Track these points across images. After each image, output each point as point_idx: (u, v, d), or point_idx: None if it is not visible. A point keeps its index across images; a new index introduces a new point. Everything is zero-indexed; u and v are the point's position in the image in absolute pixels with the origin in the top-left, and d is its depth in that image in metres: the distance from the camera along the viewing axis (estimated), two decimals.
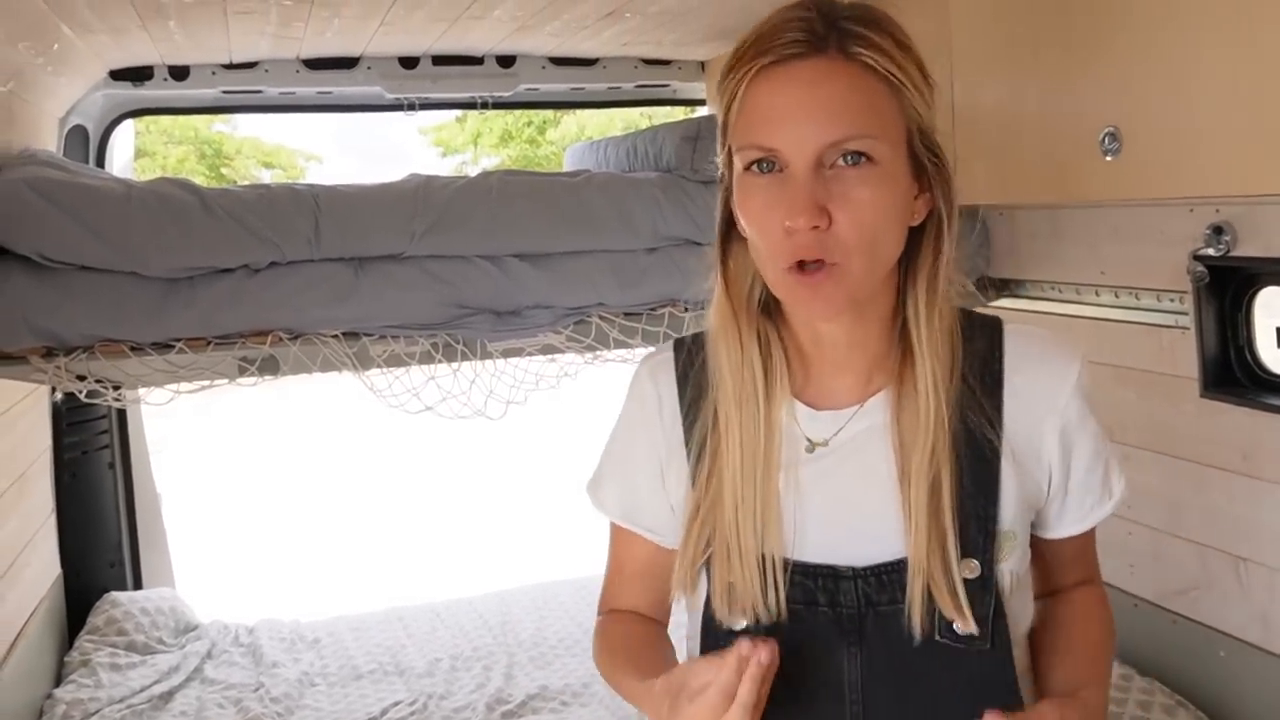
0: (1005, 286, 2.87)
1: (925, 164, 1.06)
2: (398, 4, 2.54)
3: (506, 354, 2.58)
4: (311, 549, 7.01)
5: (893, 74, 1.01)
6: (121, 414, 3.35)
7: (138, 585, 3.41)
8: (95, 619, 3.15)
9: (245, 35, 2.76)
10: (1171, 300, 2.33)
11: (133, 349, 2.35)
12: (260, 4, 2.46)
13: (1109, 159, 1.95)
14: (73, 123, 3.11)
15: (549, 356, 2.63)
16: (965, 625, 1.05)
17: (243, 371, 2.44)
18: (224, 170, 16.38)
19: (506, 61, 3.30)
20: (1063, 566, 1.22)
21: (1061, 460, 1.13)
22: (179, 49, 2.91)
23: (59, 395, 2.41)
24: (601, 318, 2.60)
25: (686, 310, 2.67)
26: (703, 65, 3.48)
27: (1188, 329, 2.26)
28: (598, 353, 2.63)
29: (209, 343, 2.40)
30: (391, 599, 3.79)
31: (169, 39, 2.73)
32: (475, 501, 8.09)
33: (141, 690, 2.92)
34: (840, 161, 1.00)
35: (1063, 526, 1.18)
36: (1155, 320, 2.38)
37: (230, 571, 6.01)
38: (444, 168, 17.24)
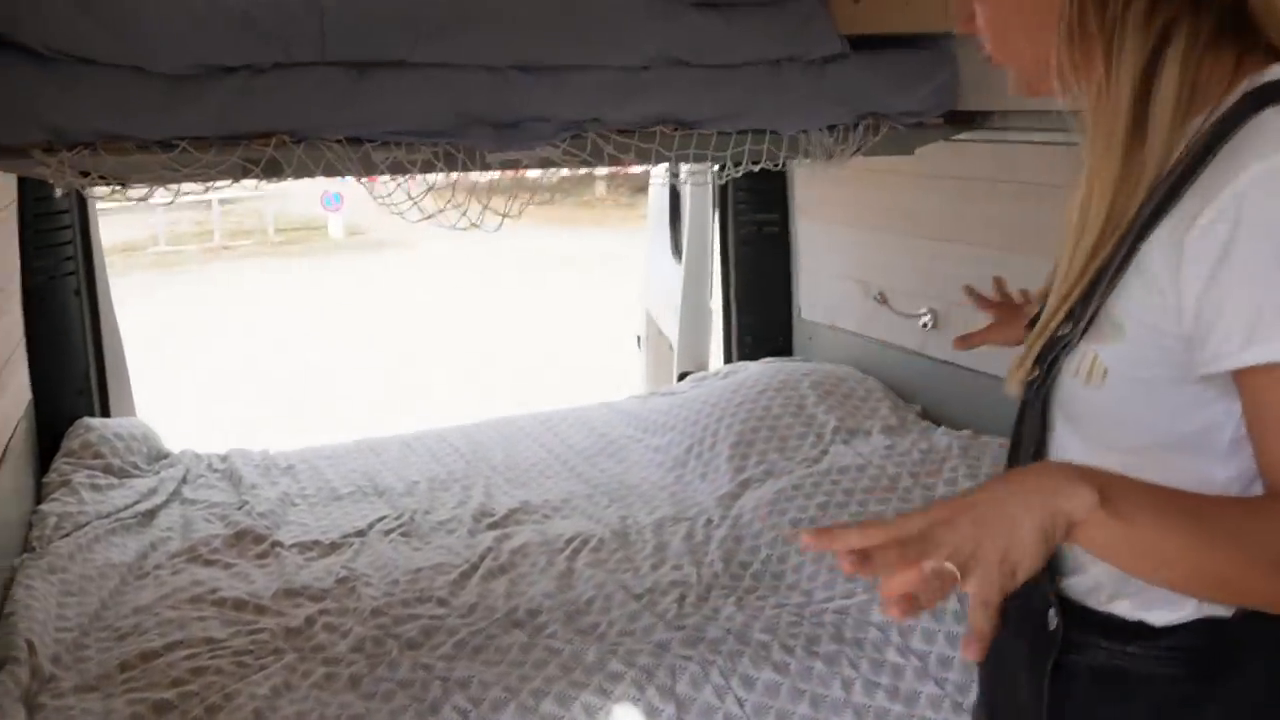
0: (971, 119, 3.00)
1: None
2: None
3: (505, 165, 2.63)
4: (266, 389, 7.16)
5: None
6: (86, 242, 3.31)
7: (105, 414, 3.40)
8: (70, 443, 3.15)
9: None
10: None
11: (138, 147, 2.34)
12: None
13: None
14: None
15: (546, 170, 2.69)
16: (1022, 372, 1.11)
17: (246, 172, 2.44)
18: None
19: None
20: (1261, 450, 0.94)
21: (1173, 272, 0.96)
22: None
23: (57, 192, 2.36)
24: (597, 134, 2.66)
25: (677, 130, 2.74)
26: None
27: None
28: (593, 168, 2.70)
29: (213, 144, 2.40)
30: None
31: None
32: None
33: (126, 508, 2.95)
34: None
35: (1199, 363, 0.96)
36: None
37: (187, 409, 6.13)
38: None
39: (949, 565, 0.82)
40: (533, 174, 2.73)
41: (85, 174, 2.32)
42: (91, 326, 3.32)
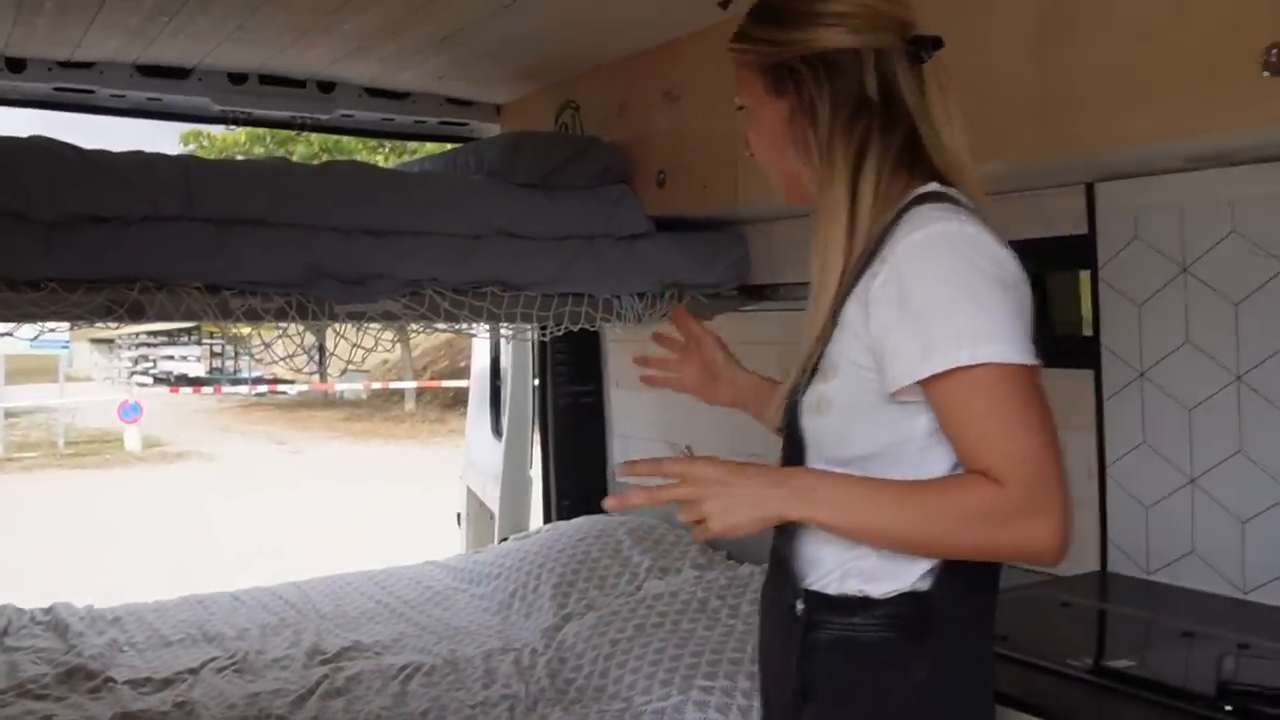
0: (761, 292, 3.46)
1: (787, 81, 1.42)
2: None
3: (351, 316, 2.90)
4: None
5: (741, 47, 1.47)
6: None
7: None
8: None
9: (105, 29, 3.00)
10: None
11: (8, 285, 2.52)
12: None
13: None
14: None
15: (387, 323, 2.98)
16: (772, 422, 1.49)
17: (110, 313, 2.64)
18: None
19: (327, 87, 3.67)
20: (954, 440, 1.31)
21: (864, 320, 1.33)
22: (24, 38, 3.10)
23: None
24: (435, 291, 2.98)
25: (506, 291, 3.09)
26: (499, 109, 3.97)
27: None
28: (430, 322, 3.00)
29: (80, 287, 2.60)
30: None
31: (29, 23, 2.94)
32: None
33: None
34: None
35: (888, 384, 1.32)
36: None
37: None
38: None
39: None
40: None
41: None
42: None
